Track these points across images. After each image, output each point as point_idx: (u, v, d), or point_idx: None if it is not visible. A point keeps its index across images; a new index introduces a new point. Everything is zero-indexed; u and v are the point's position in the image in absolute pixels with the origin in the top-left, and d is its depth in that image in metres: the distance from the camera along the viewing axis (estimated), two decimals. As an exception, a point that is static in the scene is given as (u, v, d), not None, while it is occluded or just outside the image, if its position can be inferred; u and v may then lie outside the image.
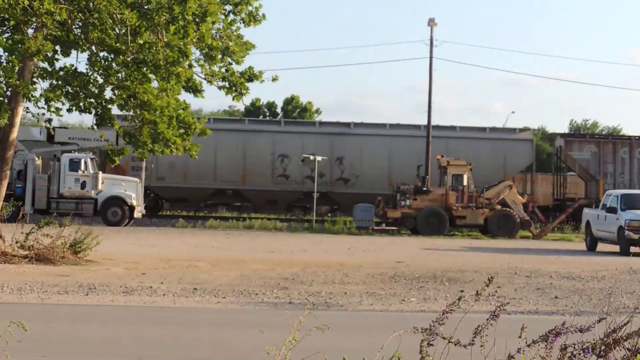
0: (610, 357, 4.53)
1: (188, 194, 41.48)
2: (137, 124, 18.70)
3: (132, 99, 17.83)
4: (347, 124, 42.59)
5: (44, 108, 18.03)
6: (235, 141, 41.49)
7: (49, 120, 20.51)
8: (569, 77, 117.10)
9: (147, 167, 39.01)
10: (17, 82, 17.01)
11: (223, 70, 18.88)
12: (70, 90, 17.87)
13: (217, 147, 40.28)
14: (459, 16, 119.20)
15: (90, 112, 18.48)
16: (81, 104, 18.06)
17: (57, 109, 17.79)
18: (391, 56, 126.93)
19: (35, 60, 16.99)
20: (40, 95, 17.63)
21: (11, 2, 15.70)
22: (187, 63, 17.74)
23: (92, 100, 18.21)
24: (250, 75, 19.05)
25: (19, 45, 16.32)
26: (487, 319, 4.61)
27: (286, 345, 4.64)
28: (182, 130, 18.76)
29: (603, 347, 4.47)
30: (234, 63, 18.90)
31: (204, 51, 18.31)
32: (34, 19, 16.26)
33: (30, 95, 17.43)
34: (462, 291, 15.17)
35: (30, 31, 16.99)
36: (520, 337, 4.67)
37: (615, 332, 4.48)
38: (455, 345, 4.49)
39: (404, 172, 39.73)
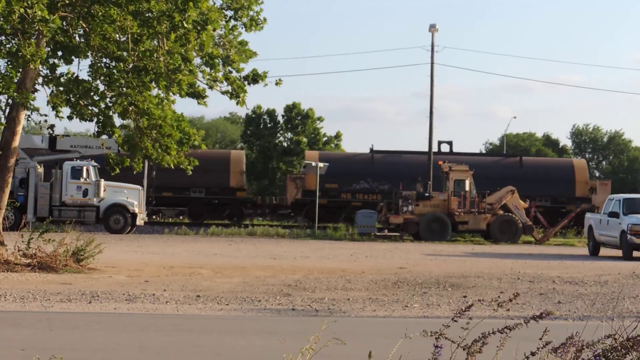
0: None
1: None
2: (136, 133, 18.72)
3: (132, 107, 17.85)
4: None
5: (45, 115, 18.09)
6: None
7: (52, 127, 20.53)
8: (573, 82, 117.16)
9: None
10: (15, 94, 17.01)
11: (223, 75, 18.88)
12: (71, 98, 17.88)
13: None
14: (464, 21, 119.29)
15: (91, 120, 18.51)
16: (82, 111, 18.07)
17: (58, 111, 17.80)
18: (396, 62, 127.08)
19: (33, 66, 16.94)
20: (47, 102, 17.64)
21: (7, 10, 15.72)
22: (187, 70, 17.73)
23: (94, 108, 18.22)
24: (255, 76, 19.02)
25: (17, 54, 16.33)
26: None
27: (303, 354, 4.64)
28: (180, 137, 18.75)
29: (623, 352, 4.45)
30: (234, 71, 18.91)
31: (205, 59, 18.32)
32: (30, 27, 16.26)
33: (29, 104, 17.43)
34: (465, 297, 15.15)
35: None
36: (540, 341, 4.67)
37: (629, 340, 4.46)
38: (463, 349, 4.49)
39: None
